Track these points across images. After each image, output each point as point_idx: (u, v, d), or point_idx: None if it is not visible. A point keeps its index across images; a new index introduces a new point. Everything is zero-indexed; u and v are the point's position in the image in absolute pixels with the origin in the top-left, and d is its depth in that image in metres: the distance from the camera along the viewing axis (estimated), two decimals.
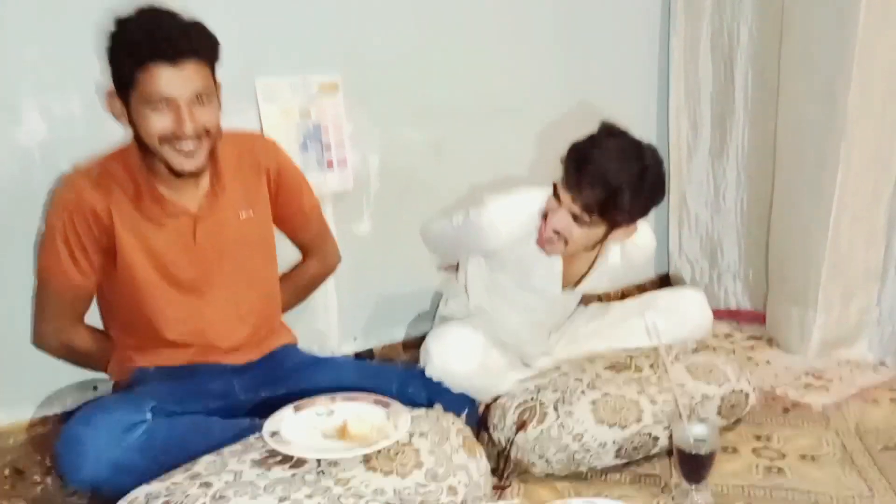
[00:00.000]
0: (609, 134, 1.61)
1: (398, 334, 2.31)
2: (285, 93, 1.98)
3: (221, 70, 1.89)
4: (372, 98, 2.12)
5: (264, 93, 1.94)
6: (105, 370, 1.67)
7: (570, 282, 1.79)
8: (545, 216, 1.65)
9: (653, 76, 2.71)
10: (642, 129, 2.70)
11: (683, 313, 1.89)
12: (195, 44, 1.39)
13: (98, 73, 1.72)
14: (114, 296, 1.56)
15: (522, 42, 2.38)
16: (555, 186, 1.61)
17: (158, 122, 1.38)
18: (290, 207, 1.71)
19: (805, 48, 2.18)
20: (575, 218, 1.58)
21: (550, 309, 1.85)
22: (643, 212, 1.62)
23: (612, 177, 1.53)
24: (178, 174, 1.45)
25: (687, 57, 2.62)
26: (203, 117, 1.41)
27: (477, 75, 2.30)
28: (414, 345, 2.27)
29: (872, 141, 2.11)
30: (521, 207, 1.71)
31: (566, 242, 1.62)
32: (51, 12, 1.68)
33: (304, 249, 1.86)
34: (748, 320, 2.57)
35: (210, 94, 1.43)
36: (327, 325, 2.16)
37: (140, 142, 1.43)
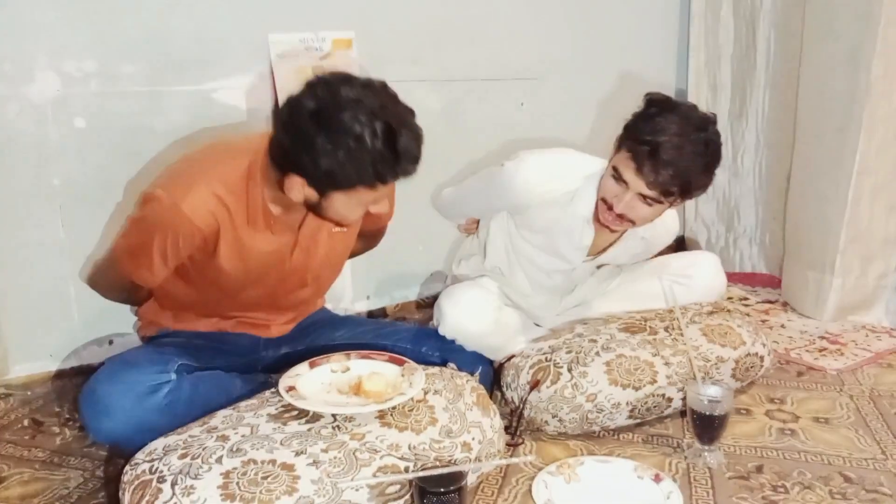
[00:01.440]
0: (669, 109, 1.52)
1: (411, 294, 2.32)
2: (298, 49, 1.96)
3: (236, 27, 1.88)
4: (386, 59, 2.09)
5: (277, 49, 1.92)
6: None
7: (594, 251, 1.77)
8: (603, 197, 1.59)
9: (672, 39, 2.67)
10: (662, 92, 2.70)
11: (698, 276, 1.87)
12: (421, 157, 1.30)
13: (111, 34, 1.72)
14: (181, 273, 1.50)
15: (540, 7, 2.34)
16: (615, 169, 1.55)
17: (360, 212, 1.35)
18: (376, 222, 1.65)
19: (829, 14, 2.14)
20: (643, 197, 1.53)
21: (568, 275, 1.84)
22: (710, 183, 1.58)
23: (689, 160, 1.47)
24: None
25: (708, 20, 2.58)
26: None
27: (493, 41, 2.27)
28: (427, 304, 2.28)
29: (895, 110, 2.07)
30: (560, 170, 1.66)
31: (633, 221, 1.59)
32: None
33: (359, 236, 1.78)
34: (763, 284, 2.56)
35: None
36: (341, 284, 2.17)
37: (311, 208, 1.34)
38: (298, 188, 1.28)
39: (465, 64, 2.24)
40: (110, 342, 1.86)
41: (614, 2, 2.50)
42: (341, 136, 1.19)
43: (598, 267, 1.87)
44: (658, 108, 1.52)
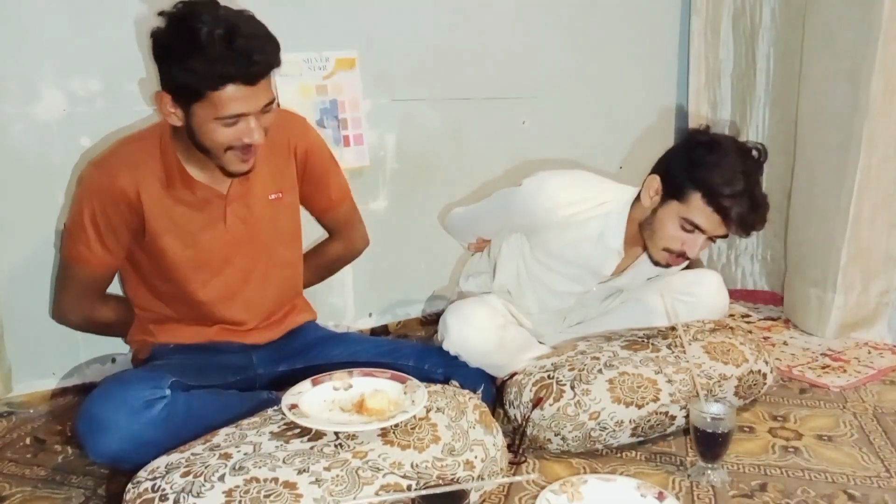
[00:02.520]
0: (723, 149, 1.53)
1: (413, 311, 2.32)
2: (302, 68, 1.98)
3: None
4: (389, 77, 2.11)
5: (281, 68, 1.94)
6: (125, 337, 1.68)
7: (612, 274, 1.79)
8: (668, 248, 1.61)
9: (673, 57, 2.69)
10: (662, 110, 2.72)
11: (701, 294, 1.87)
12: (272, 58, 1.35)
13: (117, 54, 1.74)
14: (141, 273, 1.57)
15: (541, 26, 2.36)
16: (686, 220, 1.55)
17: (227, 134, 1.37)
18: (316, 190, 1.69)
19: (828, 30, 2.15)
20: (716, 237, 1.58)
21: (580, 297, 1.84)
22: None
23: (763, 195, 1.53)
24: (230, 175, 1.45)
25: (708, 37, 2.59)
26: (266, 124, 1.40)
27: (495, 59, 2.29)
28: (430, 321, 2.28)
29: (895, 125, 2.08)
30: (580, 194, 1.65)
31: (692, 256, 1.61)
32: None
33: (330, 231, 1.85)
34: (765, 301, 2.56)
35: (273, 100, 1.41)
36: (343, 301, 2.18)
37: (194, 141, 1.40)
38: (167, 107, 1.36)
39: (467, 82, 2.26)
40: (113, 360, 1.87)
41: (615, 20, 2.52)
42: (187, 40, 1.28)
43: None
44: (710, 150, 1.54)
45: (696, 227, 1.55)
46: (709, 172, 1.51)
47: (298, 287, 1.74)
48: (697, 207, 1.53)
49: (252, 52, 1.30)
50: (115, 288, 1.66)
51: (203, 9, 1.30)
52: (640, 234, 1.66)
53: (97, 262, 1.50)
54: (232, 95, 1.32)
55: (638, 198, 1.66)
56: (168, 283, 1.54)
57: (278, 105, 1.49)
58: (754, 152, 1.56)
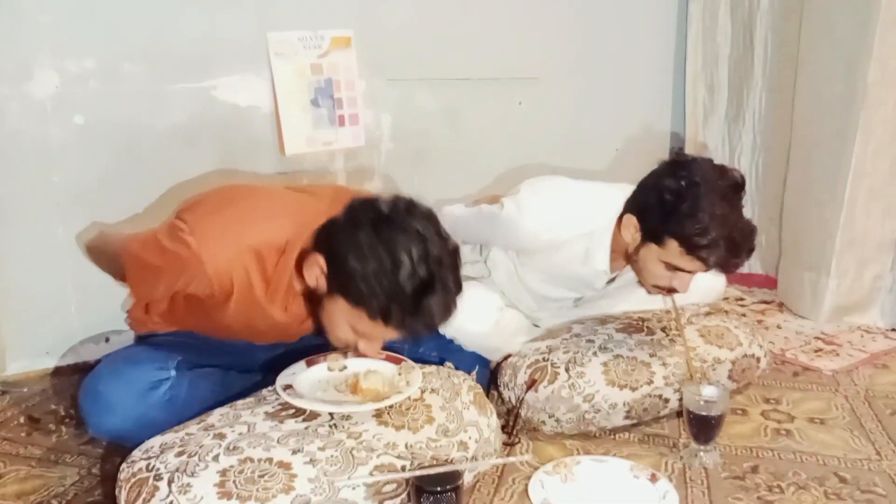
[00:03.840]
0: (697, 191, 1.45)
1: None
2: (296, 47, 1.96)
3: (235, 25, 1.88)
4: (385, 58, 2.10)
5: (276, 47, 1.93)
6: None
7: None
8: (656, 284, 1.57)
9: (671, 41, 2.68)
10: (659, 93, 2.71)
11: (696, 277, 1.88)
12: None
13: (111, 32, 1.72)
14: (174, 308, 1.48)
15: (539, 7, 2.35)
16: (668, 264, 1.51)
17: (349, 338, 1.29)
18: None
19: (826, 18, 2.15)
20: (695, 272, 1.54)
21: (569, 303, 1.85)
22: None
23: (746, 228, 1.47)
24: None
25: (706, 22, 2.58)
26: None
27: (491, 41, 2.28)
28: None
29: (892, 114, 2.08)
30: (562, 214, 1.61)
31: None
32: None
33: None
34: (760, 285, 2.57)
35: None
36: None
37: (314, 304, 1.30)
38: (316, 270, 1.24)
39: (464, 63, 2.24)
40: (107, 339, 1.87)
41: (612, 2, 2.50)
42: (384, 251, 1.16)
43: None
44: (681, 197, 1.46)
45: (678, 268, 1.51)
46: (682, 223, 1.45)
47: None
48: (676, 254, 1.48)
49: (432, 319, 1.21)
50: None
51: (417, 231, 1.19)
52: (626, 256, 1.62)
53: (148, 299, 1.44)
54: (382, 330, 1.24)
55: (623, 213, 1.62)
56: (204, 322, 1.47)
57: None
58: (731, 182, 1.49)
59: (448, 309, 1.21)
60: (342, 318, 1.25)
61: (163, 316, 1.54)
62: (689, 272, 1.52)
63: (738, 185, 1.50)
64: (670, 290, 1.57)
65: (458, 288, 1.23)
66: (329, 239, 1.22)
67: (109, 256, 1.55)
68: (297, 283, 1.33)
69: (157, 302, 1.47)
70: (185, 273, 1.27)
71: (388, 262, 1.15)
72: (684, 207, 1.45)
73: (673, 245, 1.48)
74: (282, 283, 1.32)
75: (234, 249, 1.27)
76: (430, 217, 1.23)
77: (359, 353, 1.41)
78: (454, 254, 1.23)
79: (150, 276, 1.35)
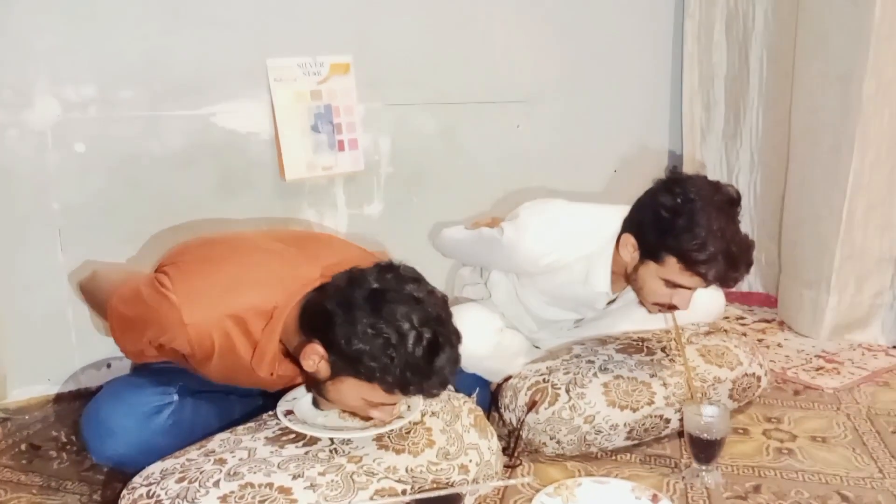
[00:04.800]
0: (693, 206, 1.46)
1: None
2: (296, 73, 1.98)
3: (234, 52, 1.90)
4: (383, 82, 2.12)
5: (276, 73, 1.95)
6: None
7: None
8: (656, 302, 1.58)
9: (667, 60, 2.70)
10: (656, 113, 2.72)
11: (696, 297, 1.88)
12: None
13: (110, 59, 1.74)
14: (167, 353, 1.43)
15: (535, 29, 2.37)
16: (667, 281, 1.52)
17: (360, 407, 1.27)
18: None
19: (821, 33, 2.16)
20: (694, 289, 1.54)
21: (569, 324, 1.85)
22: None
23: (743, 242, 1.49)
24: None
25: (701, 41, 2.60)
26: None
27: (488, 63, 2.30)
28: None
29: (888, 128, 2.09)
30: (562, 238, 1.61)
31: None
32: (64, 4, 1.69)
33: None
34: (759, 303, 2.57)
35: None
36: None
37: (318, 389, 1.28)
38: (315, 359, 1.22)
39: (461, 86, 2.26)
40: (108, 366, 1.87)
41: (608, 23, 2.53)
42: (387, 325, 1.15)
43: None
44: (677, 214, 1.47)
45: (678, 284, 1.52)
46: (679, 239, 1.45)
47: None
48: (675, 270, 1.49)
49: (443, 377, 1.19)
50: None
51: (412, 298, 1.19)
52: (626, 275, 1.62)
53: (132, 353, 1.41)
54: (394, 398, 1.24)
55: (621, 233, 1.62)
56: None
57: None
58: (727, 198, 1.50)
59: (456, 361, 1.21)
60: (354, 394, 1.24)
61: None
62: (689, 288, 1.52)
63: (733, 200, 1.51)
64: (671, 308, 1.58)
65: (458, 338, 1.23)
66: (325, 327, 1.19)
67: (98, 303, 1.53)
68: (282, 362, 1.32)
69: (145, 351, 1.38)
70: (167, 332, 1.25)
71: (393, 335, 1.15)
72: (681, 223, 1.46)
73: (671, 261, 1.49)
74: (269, 347, 1.29)
75: (216, 315, 1.25)
76: (417, 277, 1.23)
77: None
78: (446, 305, 1.24)
79: (134, 330, 1.32)
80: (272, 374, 1.33)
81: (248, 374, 1.33)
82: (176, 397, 1.37)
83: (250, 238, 1.47)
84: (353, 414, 1.34)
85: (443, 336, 1.18)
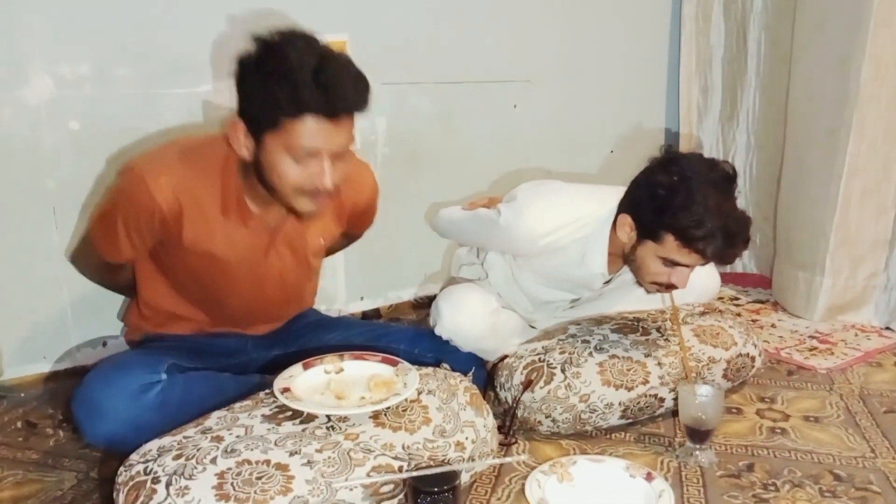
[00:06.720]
0: (690, 183, 1.46)
1: (405, 294, 2.33)
2: None
3: (230, 30, 1.88)
4: (380, 62, 2.10)
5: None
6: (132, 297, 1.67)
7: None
8: (654, 281, 1.57)
9: (664, 41, 2.69)
10: (653, 94, 2.72)
11: (692, 276, 1.89)
12: (360, 98, 1.28)
13: (105, 37, 1.72)
14: (160, 266, 1.52)
15: (533, 9, 2.36)
16: (665, 259, 1.51)
17: (297, 173, 1.28)
18: (352, 226, 1.68)
19: (819, 17, 2.16)
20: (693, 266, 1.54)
21: (565, 304, 1.85)
22: None
23: (740, 218, 1.48)
24: (297, 215, 1.39)
25: (699, 22, 2.60)
26: (340, 171, 1.32)
27: (486, 43, 2.29)
28: (422, 304, 2.29)
29: (885, 112, 2.09)
30: (560, 220, 1.61)
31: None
32: None
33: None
34: (754, 284, 2.58)
35: (350, 145, 1.33)
36: (335, 285, 2.18)
37: (260, 177, 1.33)
38: (240, 137, 1.29)
39: (459, 66, 2.25)
40: (104, 344, 1.87)
41: (605, 4, 2.51)
42: (275, 65, 1.22)
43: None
44: (674, 191, 1.46)
45: (677, 262, 1.52)
46: (677, 216, 1.45)
47: (310, 303, 1.77)
48: (673, 248, 1.49)
49: (340, 85, 1.23)
50: None
51: (300, 39, 1.25)
52: (623, 256, 1.63)
53: (121, 255, 1.46)
54: (309, 127, 1.24)
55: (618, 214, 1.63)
56: (186, 286, 1.52)
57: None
58: (723, 174, 1.50)
59: (347, 67, 1.27)
60: (283, 155, 1.28)
61: (153, 310, 1.57)
62: (687, 266, 1.53)
63: (729, 177, 1.51)
64: (669, 287, 1.58)
65: (348, 59, 1.29)
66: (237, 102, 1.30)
67: (88, 254, 1.61)
68: (251, 204, 1.40)
69: (121, 247, 1.45)
70: (133, 202, 1.35)
71: (279, 71, 1.22)
72: (678, 201, 1.46)
73: (669, 239, 1.49)
74: (231, 194, 1.38)
75: (176, 167, 1.36)
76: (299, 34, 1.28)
77: (357, 356, 1.42)
78: (326, 45, 1.29)
79: (108, 223, 1.41)
80: (246, 224, 1.41)
81: (223, 236, 1.41)
82: (164, 376, 1.37)
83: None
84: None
85: (327, 56, 1.24)
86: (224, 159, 1.38)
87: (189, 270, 1.47)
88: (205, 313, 1.58)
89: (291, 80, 1.21)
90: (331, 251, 1.90)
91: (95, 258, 1.55)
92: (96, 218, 1.51)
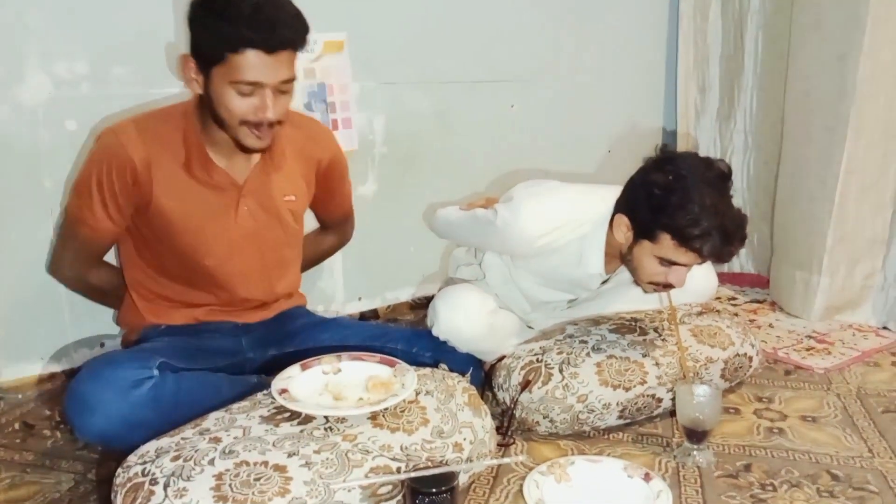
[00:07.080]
0: (685, 182, 1.46)
1: (403, 295, 2.33)
2: None
3: None
4: (378, 60, 2.10)
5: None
6: (117, 307, 1.69)
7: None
8: (651, 281, 1.58)
9: (661, 40, 2.69)
10: (650, 93, 2.72)
11: (688, 277, 1.89)
12: (297, 34, 1.38)
13: (102, 36, 1.72)
14: (142, 239, 1.56)
15: (530, 9, 2.36)
16: (662, 259, 1.52)
17: (242, 105, 1.38)
18: (327, 195, 1.75)
19: (816, 14, 2.16)
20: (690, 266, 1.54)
21: (563, 304, 1.86)
22: None
23: (737, 217, 1.48)
24: (244, 149, 1.46)
25: (697, 21, 2.60)
26: (283, 105, 1.42)
27: (483, 43, 2.28)
28: (420, 305, 2.29)
29: (883, 110, 2.09)
30: (557, 220, 1.61)
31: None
32: None
33: (325, 226, 1.90)
34: (751, 283, 2.58)
35: (292, 81, 1.42)
36: (332, 285, 2.18)
37: (211, 112, 1.42)
38: (191, 73, 1.40)
39: (456, 66, 2.25)
40: (101, 344, 1.86)
41: (603, 3, 2.51)
42: (219, 7, 1.33)
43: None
44: (670, 191, 1.47)
45: (673, 262, 1.52)
46: (673, 216, 1.45)
47: (297, 284, 1.77)
48: (670, 248, 1.49)
49: (277, 22, 1.33)
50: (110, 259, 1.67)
51: None
52: (620, 256, 1.63)
53: (98, 225, 1.51)
54: (250, 61, 1.34)
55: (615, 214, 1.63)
56: (165, 260, 1.56)
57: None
58: (718, 173, 1.50)
59: (284, 5, 1.38)
60: (228, 89, 1.37)
61: (144, 288, 1.59)
62: (684, 265, 1.53)
63: (725, 175, 1.51)
64: (666, 287, 1.58)
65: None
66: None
67: (64, 249, 1.63)
68: (214, 155, 1.49)
69: (95, 209, 1.51)
70: (104, 157, 1.45)
71: (221, 7, 1.34)
72: (674, 200, 1.46)
73: (666, 239, 1.49)
74: (193, 144, 1.47)
75: (142, 120, 1.49)
76: None
77: (354, 357, 1.42)
78: None
79: (84, 191, 1.49)
80: (211, 176, 1.49)
81: (193, 190, 1.48)
82: (156, 372, 1.37)
83: None
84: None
85: None
86: (183, 112, 1.49)
87: (164, 236, 1.51)
88: (190, 288, 1.58)
89: (234, 18, 1.32)
90: (325, 253, 1.92)
91: (72, 255, 1.59)
92: (72, 190, 1.56)
